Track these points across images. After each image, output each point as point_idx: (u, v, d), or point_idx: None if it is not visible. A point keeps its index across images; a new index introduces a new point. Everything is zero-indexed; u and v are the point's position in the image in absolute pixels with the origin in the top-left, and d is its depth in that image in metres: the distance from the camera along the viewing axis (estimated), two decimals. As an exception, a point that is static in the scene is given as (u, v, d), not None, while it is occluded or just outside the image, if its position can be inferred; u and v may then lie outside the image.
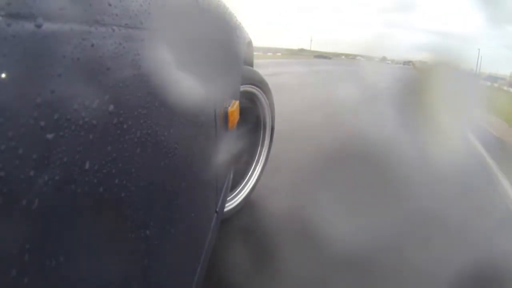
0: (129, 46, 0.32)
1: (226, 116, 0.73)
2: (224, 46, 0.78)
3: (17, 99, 0.19)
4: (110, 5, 0.30)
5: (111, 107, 0.29)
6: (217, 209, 0.73)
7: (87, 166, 0.26)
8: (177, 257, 0.48)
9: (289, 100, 3.56)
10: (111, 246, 0.30)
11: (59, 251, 0.23)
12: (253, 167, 1.31)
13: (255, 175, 1.30)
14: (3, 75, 0.19)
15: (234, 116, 0.77)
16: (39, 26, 0.21)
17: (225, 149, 0.79)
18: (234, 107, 0.77)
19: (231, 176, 0.96)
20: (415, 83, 8.47)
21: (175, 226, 0.47)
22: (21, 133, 0.20)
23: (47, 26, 0.22)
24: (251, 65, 1.24)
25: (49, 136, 0.22)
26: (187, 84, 0.48)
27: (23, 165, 0.20)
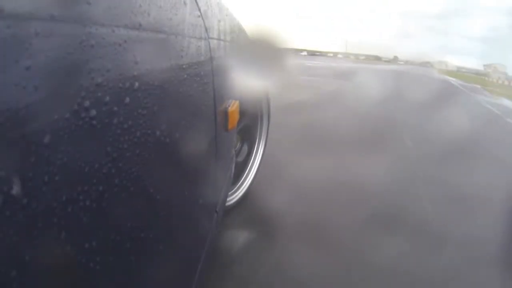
0: (129, 46, 0.32)
1: (226, 116, 0.73)
2: (225, 47, 0.78)
3: (17, 99, 0.19)
4: (110, 5, 0.30)
5: (111, 107, 0.29)
6: (217, 209, 0.73)
7: (86, 166, 0.26)
8: (177, 257, 0.48)
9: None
10: (111, 246, 0.30)
11: (59, 250, 0.23)
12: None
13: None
14: (3, 76, 0.19)
15: (234, 116, 0.77)
16: (39, 27, 0.21)
17: (225, 149, 0.79)
18: (234, 107, 0.77)
19: (232, 175, 0.96)
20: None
21: (175, 226, 0.47)
22: (21, 133, 0.20)
23: (48, 27, 0.22)
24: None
25: (49, 136, 0.22)
26: (187, 84, 0.48)
27: (23, 165, 0.20)
